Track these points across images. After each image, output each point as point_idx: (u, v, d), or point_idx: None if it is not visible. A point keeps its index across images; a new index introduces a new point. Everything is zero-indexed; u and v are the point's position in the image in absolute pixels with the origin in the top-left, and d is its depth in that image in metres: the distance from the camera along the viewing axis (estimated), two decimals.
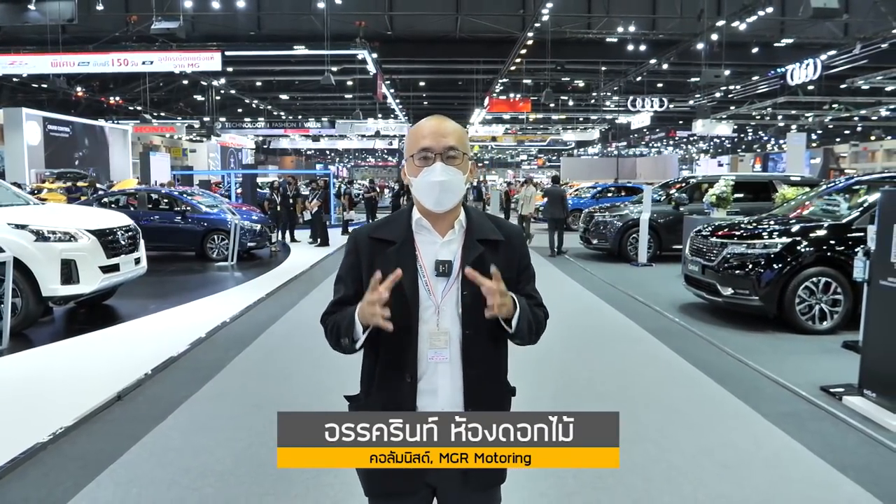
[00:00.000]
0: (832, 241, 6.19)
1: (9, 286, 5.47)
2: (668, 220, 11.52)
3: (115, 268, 6.65)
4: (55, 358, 5.34)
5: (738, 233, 6.79)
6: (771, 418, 3.95)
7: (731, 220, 8.18)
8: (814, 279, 6.11)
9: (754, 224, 7.07)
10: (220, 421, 3.97)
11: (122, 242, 6.85)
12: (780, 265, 6.18)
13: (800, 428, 3.81)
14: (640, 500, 2.97)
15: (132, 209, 11.58)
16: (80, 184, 19.30)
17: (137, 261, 7.24)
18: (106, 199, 12.42)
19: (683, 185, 12.75)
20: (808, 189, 9.23)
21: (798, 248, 6.21)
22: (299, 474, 3.18)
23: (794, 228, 6.47)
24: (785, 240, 6.31)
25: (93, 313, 7.17)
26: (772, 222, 6.98)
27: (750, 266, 6.34)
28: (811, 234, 6.31)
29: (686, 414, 4.13)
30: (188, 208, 11.96)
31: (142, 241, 7.45)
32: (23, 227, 6.00)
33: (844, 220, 6.34)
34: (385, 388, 1.54)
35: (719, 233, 6.99)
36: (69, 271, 6.10)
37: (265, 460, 3.34)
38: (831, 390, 4.41)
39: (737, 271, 6.43)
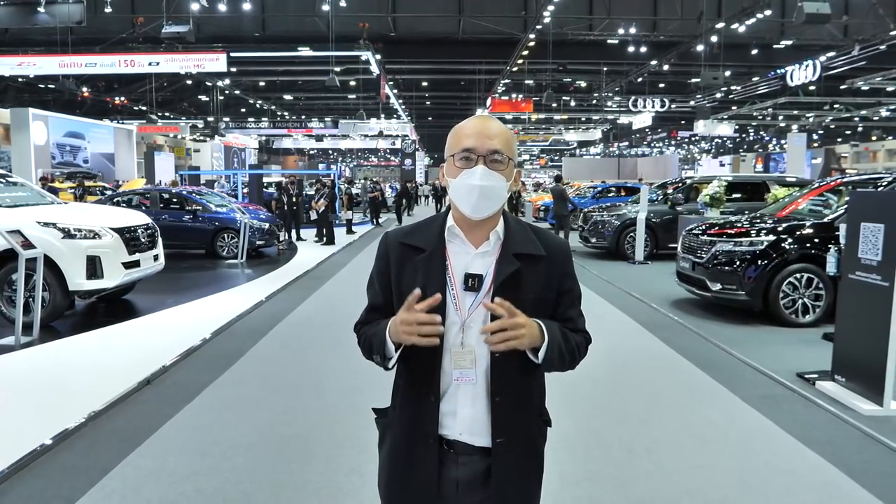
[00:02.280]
0: (815, 239, 6.52)
1: (39, 280, 5.85)
2: (665, 220, 11.85)
3: (136, 264, 7.02)
4: (83, 347, 5.71)
5: (726, 231, 7.13)
6: (748, 401, 4.31)
7: (723, 219, 8.52)
8: (797, 275, 6.45)
9: (742, 222, 7.41)
10: (243, 402, 4.33)
11: (143, 240, 7.22)
12: (764, 262, 6.52)
13: (774, 408, 4.16)
14: (622, 468, 3.32)
15: (144, 208, 11.94)
16: (53, 184, 18.66)
17: (156, 257, 7.62)
18: (117, 199, 12.79)
19: (680, 185, 13.09)
20: (799, 189, 9.58)
21: (782, 245, 6.55)
22: (319, 445, 3.55)
23: (780, 227, 6.81)
24: (770, 238, 6.65)
25: (113, 307, 7.54)
26: (758, 221, 7.32)
27: (737, 263, 6.68)
28: (795, 233, 6.65)
29: (670, 396, 4.48)
30: (199, 208, 12.34)
31: (160, 239, 7.83)
32: (51, 224, 6.37)
33: (826, 219, 6.68)
34: (410, 405, 1.48)
35: (709, 231, 7.33)
36: (94, 267, 6.47)
37: (287, 435, 3.71)
38: (806, 376, 4.76)
39: (724, 268, 6.78)
